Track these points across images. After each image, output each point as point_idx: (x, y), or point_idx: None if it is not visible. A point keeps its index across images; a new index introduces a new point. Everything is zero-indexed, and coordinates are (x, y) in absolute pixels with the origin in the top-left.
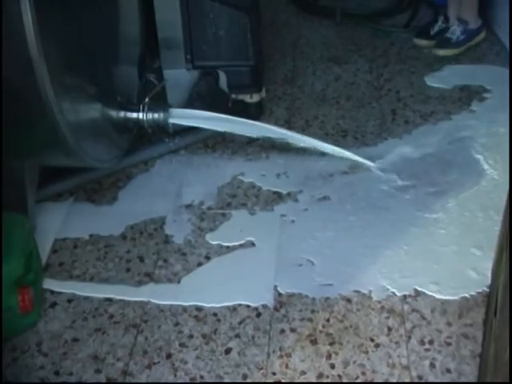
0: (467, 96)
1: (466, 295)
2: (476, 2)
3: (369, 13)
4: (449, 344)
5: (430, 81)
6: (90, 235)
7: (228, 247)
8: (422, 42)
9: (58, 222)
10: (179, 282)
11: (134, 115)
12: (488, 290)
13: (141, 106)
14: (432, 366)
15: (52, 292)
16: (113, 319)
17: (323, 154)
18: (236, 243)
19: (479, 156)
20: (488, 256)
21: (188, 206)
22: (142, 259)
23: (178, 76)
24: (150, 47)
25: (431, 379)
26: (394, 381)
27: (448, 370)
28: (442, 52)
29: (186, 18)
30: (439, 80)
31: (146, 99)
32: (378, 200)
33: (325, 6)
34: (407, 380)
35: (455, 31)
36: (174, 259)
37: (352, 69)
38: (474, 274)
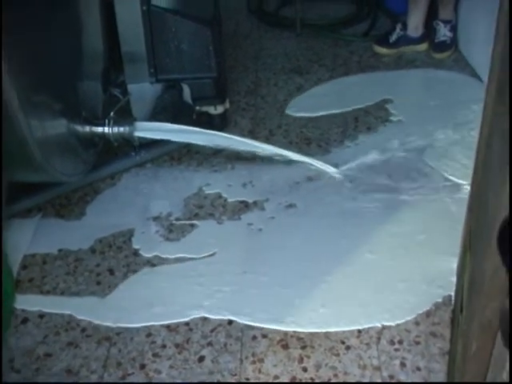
0: None
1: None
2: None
3: (328, 23)
4: (418, 343)
5: None
6: (59, 250)
7: (196, 258)
8: (382, 50)
9: (27, 238)
10: None
11: (100, 129)
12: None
13: (106, 120)
14: (402, 365)
15: (23, 308)
16: (85, 333)
17: (288, 163)
18: (204, 254)
19: (435, 161)
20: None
21: (156, 218)
22: (111, 272)
23: (142, 89)
24: (113, 62)
25: (402, 378)
26: (366, 381)
27: (418, 369)
28: (443, 55)
29: (148, 32)
30: None
31: (111, 113)
32: (343, 206)
33: (285, 17)
34: (379, 380)
35: (445, 32)
36: (144, 271)
37: (313, 78)
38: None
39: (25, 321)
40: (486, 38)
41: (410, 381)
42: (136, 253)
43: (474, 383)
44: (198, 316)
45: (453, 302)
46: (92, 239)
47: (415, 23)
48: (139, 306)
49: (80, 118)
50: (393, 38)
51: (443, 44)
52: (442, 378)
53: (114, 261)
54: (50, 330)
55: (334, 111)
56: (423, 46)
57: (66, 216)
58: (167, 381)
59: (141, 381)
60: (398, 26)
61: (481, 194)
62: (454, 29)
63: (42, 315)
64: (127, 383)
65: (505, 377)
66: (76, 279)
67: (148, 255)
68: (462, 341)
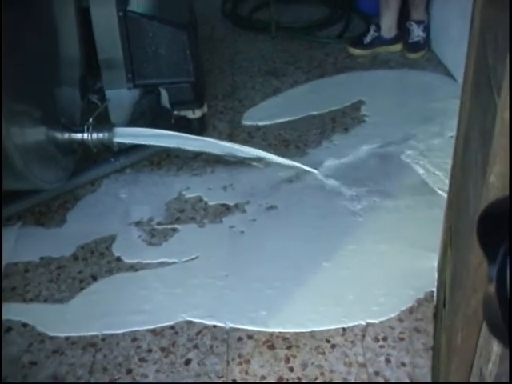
0: None
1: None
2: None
3: (303, 25)
4: (402, 339)
5: None
6: (41, 258)
7: (178, 262)
8: (357, 51)
9: (8, 247)
10: None
11: (79, 136)
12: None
13: (85, 127)
14: (387, 361)
15: (6, 318)
16: (70, 340)
17: (267, 165)
18: (187, 258)
19: (413, 160)
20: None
21: (137, 223)
22: (95, 278)
23: (120, 95)
24: (90, 68)
25: (387, 374)
26: (352, 379)
27: (403, 364)
28: (417, 55)
29: (125, 38)
30: None
31: (90, 120)
32: (323, 206)
33: (259, 20)
34: (365, 376)
35: (418, 33)
36: (127, 276)
37: (290, 81)
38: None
39: (8, 330)
40: (458, 38)
41: (395, 376)
42: (118, 258)
43: (460, 383)
44: (182, 320)
45: (435, 297)
46: (74, 246)
47: (388, 24)
48: (123, 311)
49: (59, 124)
50: (367, 39)
51: (417, 44)
52: (426, 372)
53: (97, 267)
54: (35, 338)
55: (312, 113)
56: (397, 47)
57: (46, 224)
58: None
59: None
60: (372, 28)
61: (461, 190)
62: (426, 29)
63: (25, 324)
64: (130, 383)
65: (490, 367)
66: (59, 286)
67: (130, 261)
68: (446, 335)
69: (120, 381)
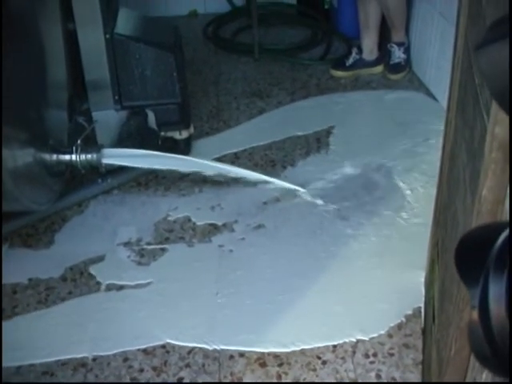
0: None
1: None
2: (404, 22)
3: (286, 48)
4: (392, 355)
5: None
6: (29, 279)
7: (168, 281)
8: (339, 73)
9: None
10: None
11: (67, 157)
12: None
13: (73, 148)
14: (378, 376)
15: None
16: (60, 361)
17: (255, 184)
18: (177, 277)
19: (398, 177)
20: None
21: (126, 244)
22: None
23: (107, 117)
24: (77, 89)
25: None
26: None
27: (393, 379)
28: (398, 76)
29: (112, 60)
30: None
31: (79, 141)
32: (311, 225)
33: (242, 42)
34: None
35: (399, 54)
36: (117, 297)
37: (274, 102)
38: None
39: None
40: (437, 59)
41: None
42: (107, 278)
43: (456, 383)
44: (172, 341)
45: (422, 313)
46: (62, 267)
47: (369, 47)
48: (113, 332)
49: (47, 146)
50: (349, 61)
51: (398, 65)
52: None
53: (86, 288)
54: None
55: (297, 133)
56: (379, 68)
57: (34, 245)
58: None
59: None
60: (354, 50)
61: (447, 206)
62: (407, 51)
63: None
64: (135, 383)
65: (484, 377)
66: (48, 307)
67: (120, 281)
68: (436, 348)
69: None
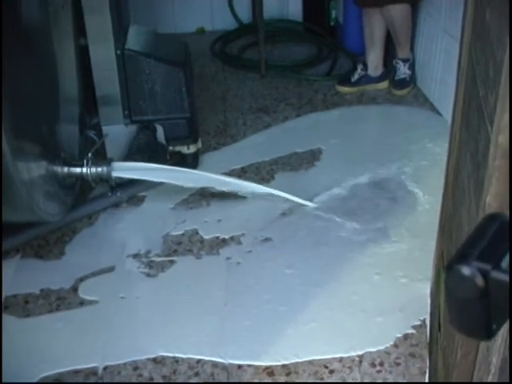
0: None
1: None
2: (409, 38)
3: (291, 64)
4: (398, 364)
5: None
6: (41, 290)
7: (177, 293)
8: (345, 89)
9: (7, 279)
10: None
11: (78, 170)
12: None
13: (84, 161)
14: None
15: None
16: (71, 370)
17: (262, 198)
18: (185, 289)
19: (404, 190)
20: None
21: (135, 256)
22: (95, 309)
23: (117, 131)
24: (87, 104)
25: None
26: None
27: None
28: (403, 92)
29: (122, 76)
30: None
31: (89, 154)
32: (318, 237)
33: (249, 59)
34: None
35: (404, 70)
36: (127, 307)
37: (280, 117)
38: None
39: None
40: (442, 74)
41: None
42: (117, 289)
43: (460, 383)
44: (180, 354)
45: (428, 323)
46: (73, 278)
47: (374, 63)
48: (124, 341)
49: (59, 159)
50: (355, 77)
51: (403, 81)
52: None
53: (96, 298)
54: None
55: (303, 148)
56: (384, 84)
57: (45, 256)
58: None
59: None
60: (359, 66)
61: (453, 216)
62: (412, 66)
63: None
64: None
65: (490, 378)
66: (59, 318)
67: (129, 292)
68: (442, 356)
69: None
